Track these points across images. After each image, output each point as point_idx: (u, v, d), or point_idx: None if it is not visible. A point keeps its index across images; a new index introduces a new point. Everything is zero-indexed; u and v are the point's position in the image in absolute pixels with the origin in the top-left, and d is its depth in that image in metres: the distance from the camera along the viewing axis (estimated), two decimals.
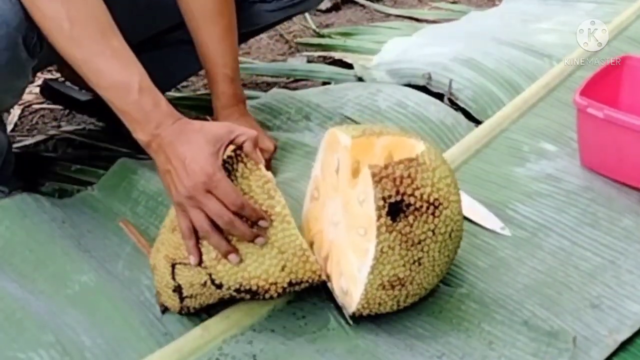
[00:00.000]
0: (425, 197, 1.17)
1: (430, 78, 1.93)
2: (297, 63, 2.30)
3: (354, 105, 1.82)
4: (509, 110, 1.85)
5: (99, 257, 1.39)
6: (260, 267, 1.19)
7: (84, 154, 1.78)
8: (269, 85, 2.17)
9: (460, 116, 1.84)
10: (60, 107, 2.02)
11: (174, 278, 1.23)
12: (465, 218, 1.44)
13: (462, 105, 1.88)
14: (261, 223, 1.18)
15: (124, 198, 1.54)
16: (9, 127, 1.91)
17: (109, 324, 1.25)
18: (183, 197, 1.17)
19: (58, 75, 2.06)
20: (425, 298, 1.30)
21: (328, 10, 2.72)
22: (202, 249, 1.21)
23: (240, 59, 2.22)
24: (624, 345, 1.26)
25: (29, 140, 1.87)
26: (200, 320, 1.27)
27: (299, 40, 2.47)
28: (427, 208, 1.17)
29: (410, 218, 1.16)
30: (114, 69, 1.22)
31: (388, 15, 2.68)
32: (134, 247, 1.42)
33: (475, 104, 1.88)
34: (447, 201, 1.19)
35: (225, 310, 1.28)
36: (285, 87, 2.16)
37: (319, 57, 2.34)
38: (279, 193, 1.21)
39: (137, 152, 1.73)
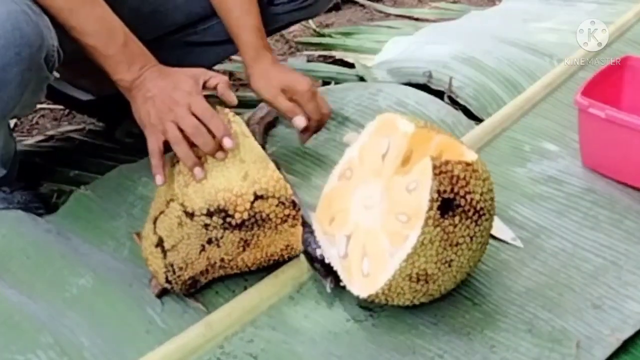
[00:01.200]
0: (473, 202, 1.19)
1: (430, 76, 1.93)
2: (297, 63, 2.29)
3: (354, 106, 1.82)
4: (510, 109, 1.85)
5: (96, 259, 1.39)
6: (223, 178, 1.24)
7: (83, 154, 1.78)
8: None
9: (460, 114, 1.84)
10: (61, 107, 2.02)
11: (155, 232, 1.27)
12: None
13: (462, 103, 1.88)
14: (225, 140, 1.25)
15: (119, 201, 1.54)
16: None
17: (108, 324, 1.26)
18: (164, 113, 1.28)
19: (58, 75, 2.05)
20: (430, 302, 1.30)
21: (328, 10, 2.71)
22: (171, 181, 1.28)
23: (240, 58, 2.22)
24: (625, 347, 1.26)
25: (29, 140, 1.87)
26: (201, 316, 1.28)
27: (299, 39, 2.47)
28: (473, 214, 1.19)
29: (456, 219, 1.18)
30: (99, 17, 1.32)
31: (388, 14, 2.67)
32: (131, 248, 1.42)
33: (475, 101, 1.88)
34: (488, 213, 1.23)
35: (225, 306, 1.29)
36: None
37: (319, 56, 2.34)
38: (238, 118, 1.33)
39: (136, 153, 1.74)
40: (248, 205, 1.24)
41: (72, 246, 1.43)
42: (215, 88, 1.32)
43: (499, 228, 1.47)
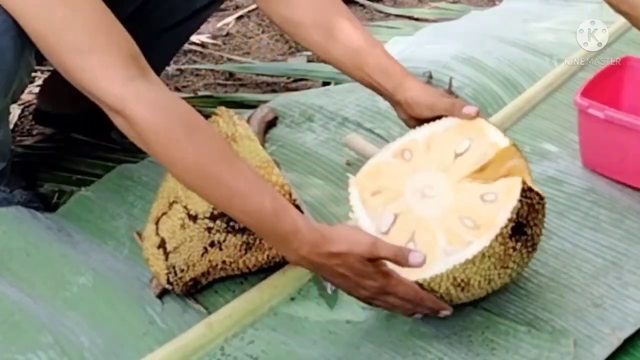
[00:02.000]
0: (535, 236, 1.23)
1: (430, 76, 1.92)
2: (297, 63, 2.29)
3: (354, 107, 1.81)
4: (510, 110, 1.85)
5: (96, 258, 1.39)
6: None
7: (83, 154, 1.78)
8: (268, 85, 2.17)
9: None
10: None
11: (157, 233, 1.26)
12: None
13: None
14: (442, 313, 1.22)
15: (119, 201, 1.54)
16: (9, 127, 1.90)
17: (108, 324, 1.26)
18: (364, 299, 1.21)
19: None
20: None
21: None
22: (174, 182, 1.25)
23: (240, 58, 2.22)
24: (625, 347, 1.26)
25: (29, 141, 1.87)
26: (201, 316, 1.28)
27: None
28: (530, 245, 1.22)
29: (519, 244, 1.20)
30: (246, 195, 1.15)
31: (388, 14, 2.67)
32: (131, 248, 1.42)
33: (475, 101, 1.88)
34: (535, 251, 1.25)
35: (226, 307, 1.29)
36: (285, 87, 2.15)
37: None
38: (243, 121, 1.32)
39: (136, 153, 1.74)
40: None
41: (73, 244, 1.42)
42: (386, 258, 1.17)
43: None
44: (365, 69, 1.38)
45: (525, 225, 1.20)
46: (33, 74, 2.15)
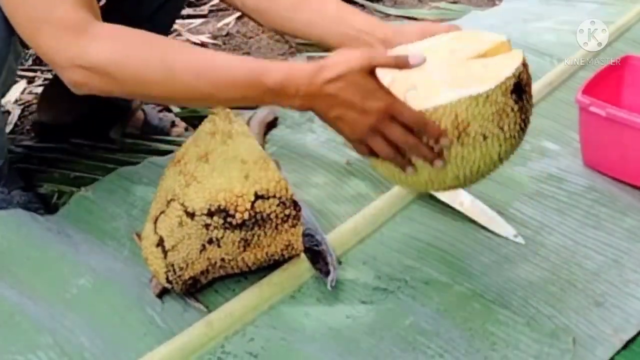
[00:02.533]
0: (527, 110, 1.22)
1: None
2: None
3: None
4: None
5: (96, 259, 1.39)
6: (224, 178, 1.24)
7: (83, 154, 1.78)
8: None
9: None
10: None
11: (156, 232, 1.27)
12: (477, 224, 1.48)
13: None
14: (442, 140, 1.16)
15: (119, 201, 1.54)
16: (9, 127, 1.90)
17: (108, 324, 1.26)
18: (365, 133, 1.17)
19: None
20: (430, 295, 1.31)
21: None
22: (171, 180, 1.27)
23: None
24: (627, 344, 1.26)
25: (29, 141, 1.87)
26: (201, 315, 1.28)
27: (299, 40, 2.46)
28: (526, 111, 1.21)
29: (516, 106, 1.19)
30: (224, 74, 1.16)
31: (388, 15, 2.66)
32: (131, 249, 1.42)
33: None
34: (525, 129, 1.25)
35: (226, 305, 1.29)
36: None
37: (320, 57, 2.33)
38: (239, 118, 1.32)
39: (136, 154, 1.74)
40: (249, 206, 1.24)
41: (73, 245, 1.42)
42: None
43: (500, 225, 1.47)
44: (348, 21, 1.37)
45: (523, 91, 1.19)
46: (32, 74, 2.15)
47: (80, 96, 1.19)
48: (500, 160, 1.23)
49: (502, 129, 1.18)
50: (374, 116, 1.15)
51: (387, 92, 1.15)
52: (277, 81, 1.13)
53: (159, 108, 1.91)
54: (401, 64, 1.14)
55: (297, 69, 1.14)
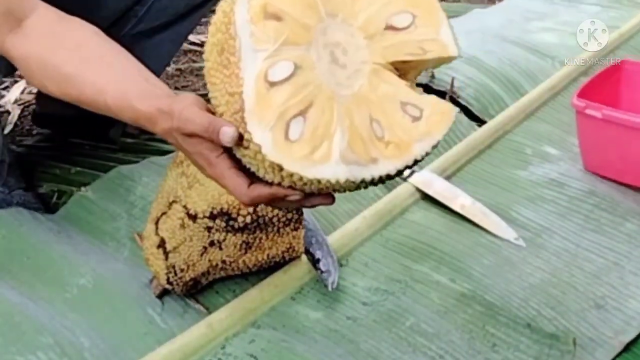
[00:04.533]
0: None
1: (433, 76, 1.93)
2: None
3: None
4: (512, 112, 1.85)
5: (97, 259, 1.39)
6: None
7: (83, 154, 1.78)
8: None
9: (461, 115, 1.84)
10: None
11: (157, 233, 1.26)
12: (478, 226, 1.48)
13: (463, 103, 1.88)
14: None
15: (119, 201, 1.54)
16: (9, 127, 1.90)
17: (108, 325, 1.26)
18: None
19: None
20: (430, 297, 1.32)
21: None
22: (173, 182, 1.24)
23: None
24: (627, 347, 1.26)
25: (29, 141, 1.87)
26: (201, 316, 1.28)
27: None
28: None
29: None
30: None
31: None
32: (131, 249, 1.42)
33: (477, 102, 1.88)
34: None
35: (226, 307, 1.29)
36: None
37: None
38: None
39: (136, 154, 1.74)
40: (251, 209, 1.23)
41: (73, 245, 1.42)
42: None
43: (501, 228, 1.47)
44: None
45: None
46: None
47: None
48: None
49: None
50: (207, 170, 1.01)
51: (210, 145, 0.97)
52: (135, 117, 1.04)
53: None
54: (211, 135, 0.95)
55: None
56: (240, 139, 0.91)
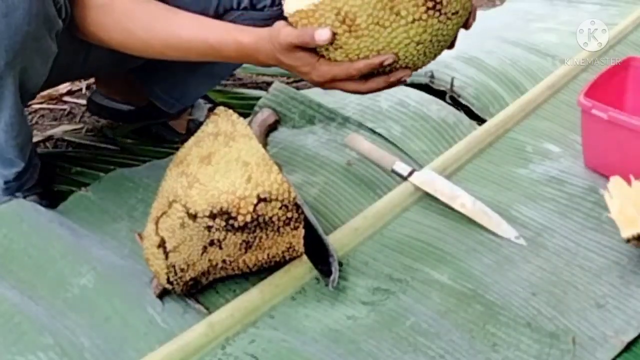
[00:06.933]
0: None
1: (432, 76, 1.93)
2: None
3: (355, 106, 1.81)
4: (513, 110, 1.85)
5: (98, 257, 1.38)
6: (226, 180, 1.23)
7: (83, 154, 1.78)
8: (269, 85, 2.16)
9: (462, 115, 1.84)
10: (61, 107, 2.02)
11: (157, 233, 1.26)
12: (479, 225, 1.47)
13: (464, 102, 1.88)
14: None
15: (120, 202, 1.54)
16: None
17: (108, 325, 1.26)
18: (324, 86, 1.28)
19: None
20: (431, 296, 1.31)
21: None
22: (173, 181, 1.27)
23: None
24: (628, 346, 1.26)
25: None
26: (202, 316, 1.28)
27: None
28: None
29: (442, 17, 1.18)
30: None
31: None
32: (131, 249, 1.42)
33: (477, 101, 1.88)
34: (443, 16, 1.20)
35: (227, 307, 1.29)
36: None
37: None
38: (241, 120, 1.34)
39: (137, 155, 1.74)
40: (251, 208, 1.23)
41: (76, 237, 1.42)
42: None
43: (501, 226, 1.47)
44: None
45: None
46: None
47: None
48: (423, 42, 1.20)
49: (398, 14, 1.16)
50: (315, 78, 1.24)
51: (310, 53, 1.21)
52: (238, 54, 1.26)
53: (209, 106, 1.90)
54: (307, 41, 1.19)
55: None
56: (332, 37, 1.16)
